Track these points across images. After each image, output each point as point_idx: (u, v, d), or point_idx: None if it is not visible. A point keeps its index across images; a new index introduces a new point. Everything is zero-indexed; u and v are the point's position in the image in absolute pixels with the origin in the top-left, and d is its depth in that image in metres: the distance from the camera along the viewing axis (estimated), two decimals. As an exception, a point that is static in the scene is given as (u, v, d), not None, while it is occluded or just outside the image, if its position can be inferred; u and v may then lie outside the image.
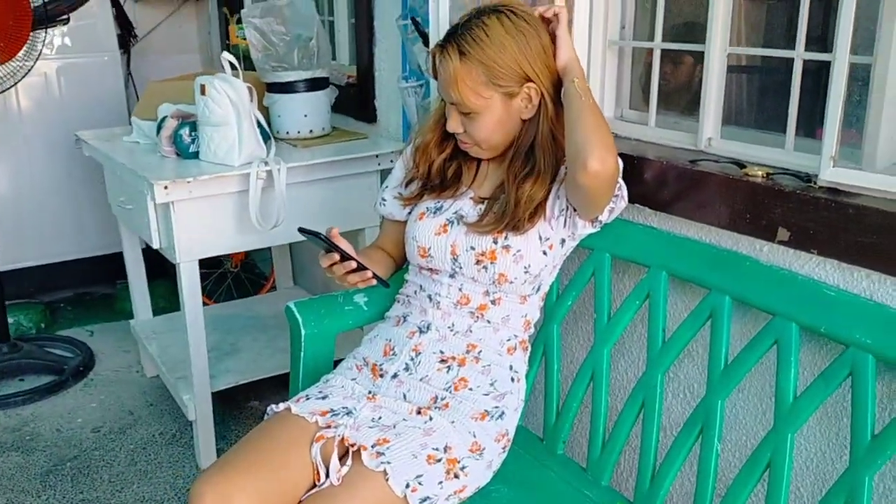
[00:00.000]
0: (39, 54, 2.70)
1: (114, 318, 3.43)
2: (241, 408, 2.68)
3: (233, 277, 3.59)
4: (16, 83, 2.73)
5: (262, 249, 3.38)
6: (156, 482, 2.31)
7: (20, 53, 2.61)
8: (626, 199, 1.47)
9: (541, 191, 1.44)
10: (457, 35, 1.40)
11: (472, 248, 1.48)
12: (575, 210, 1.44)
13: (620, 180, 1.43)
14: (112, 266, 3.37)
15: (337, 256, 1.42)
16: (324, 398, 1.47)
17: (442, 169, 1.58)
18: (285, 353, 1.88)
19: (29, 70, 2.71)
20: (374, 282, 1.45)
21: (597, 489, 1.53)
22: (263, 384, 2.58)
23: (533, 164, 1.45)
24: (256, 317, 2.90)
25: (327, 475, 1.33)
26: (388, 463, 1.30)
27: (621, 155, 1.56)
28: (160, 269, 3.12)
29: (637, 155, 1.56)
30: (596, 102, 1.38)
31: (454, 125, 1.47)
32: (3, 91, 2.73)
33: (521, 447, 1.61)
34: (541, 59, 1.40)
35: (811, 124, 1.48)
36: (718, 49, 1.53)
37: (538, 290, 1.54)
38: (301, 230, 1.39)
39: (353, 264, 1.42)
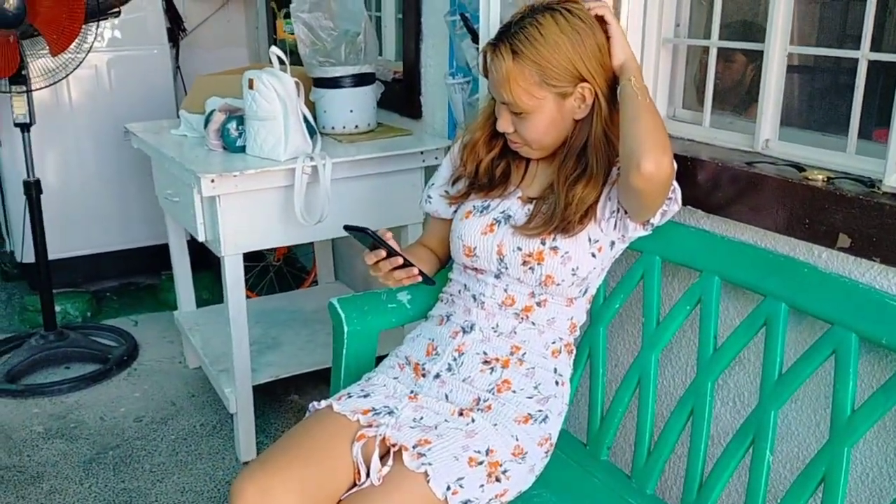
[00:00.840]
0: (91, 47, 2.73)
1: (158, 308, 3.47)
2: (281, 401, 2.69)
3: (275, 271, 3.61)
4: (67, 75, 2.77)
5: (304, 244, 3.39)
6: (196, 473, 2.32)
7: (72, 46, 2.65)
8: (679, 202, 1.43)
9: (592, 193, 1.41)
10: (510, 34, 1.37)
11: (519, 249, 1.45)
12: (626, 212, 1.41)
13: (675, 183, 1.40)
14: (157, 257, 3.41)
15: (384, 253, 1.40)
16: (365, 396, 1.46)
17: (490, 168, 1.55)
18: (326, 348, 1.88)
19: (80, 62, 2.74)
20: (420, 279, 1.43)
21: (641, 497, 1.50)
22: (304, 378, 2.58)
23: (585, 166, 1.42)
24: (298, 311, 2.91)
25: (368, 474, 1.32)
26: (430, 464, 1.29)
27: (674, 156, 1.52)
28: (204, 260, 3.15)
29: (690, 155, 1.52)
30: (653, 102, 1.34)
31: (505, 125, 1.45)
32: (55, 83, 2.78)
33: (565, 452, 1.59)
34: (595, 58, 1.37)
35: (870, 126, 1.43)
36: (779, 48, 1.48)
37: (585, 292, 1.51)
38: (347, 227, 1.38)
39: (400, 260, 1.40)
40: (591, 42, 1.37)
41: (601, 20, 1.39)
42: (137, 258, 3.58)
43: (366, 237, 1.38)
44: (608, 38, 1.38)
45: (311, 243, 3.26)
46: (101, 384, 2.83)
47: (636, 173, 1.27)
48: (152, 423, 2.59)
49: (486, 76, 1.45)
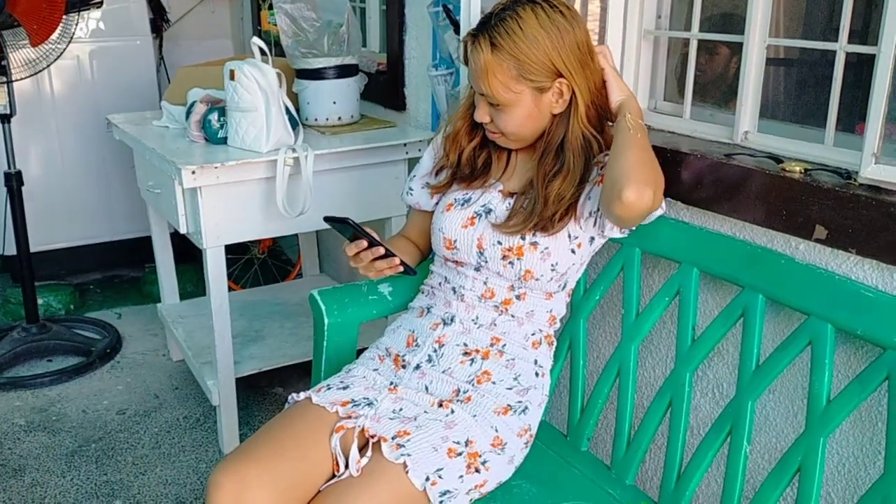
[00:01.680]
0: (72, 37, 2.71)
1: (141, 301, 3.46)
2: (264, 394, 2.69)
3: (259, 264, 3.60)
4: (48, 65, 2.74)
5: (289, 236, 3.38)
6: (178, 466, 2.32)
7: (53, 36, 2.63)
8: (664, 209, 1.44)
9: (570, 189, 1.41)
10: (490, 26, 1.37)
11: (500, 243, 1.45)
12: None
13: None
14: (140, 249, 3.41)
15: (365, 243, 1.40)
16: (345, 388, 1.45)
17: (472, 157, 1.56)
18: (310, 341, 1.87)
19: (61, 53, 2.72)
20: (402, 269, 1.43)
21: (621, 488, 1.50)
22: (287, 371, 2.58)
23: (563, 163, 1.42)
24: (282, 304, 2.91)
25: (347, 466, 1.32)
26: (408, 455, 1.29)
27: (654, 148, 1.52)
28: (188, 253, 3.14)
29: (670, 148, 1.53)
30: (647, 141, 1.35)
31: (482, 115, 1.45)
32: (36, 73, 2.75)
33: (545, 443, 1.59)
34: (574, 54, 1.37)
35: (851, 119, 1.44)
36: (758, 40, 1.48)
37: (564, 287, 1.51)
38: (327, 219, 1.38)
39: (381, 250, 1.40)
40: (571, 38, 1.37)
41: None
42: (120, 250, 3.57)
43: (346, 228, 1.38)
44: (604, 82, 1.41)
45: (296, 236, 3.26)
46: (83, 377, 2.82)
47: (617, 201, 1.26)
48: (135, 415, 2.58)
49: (467, 65, 1.45)
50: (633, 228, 1.45)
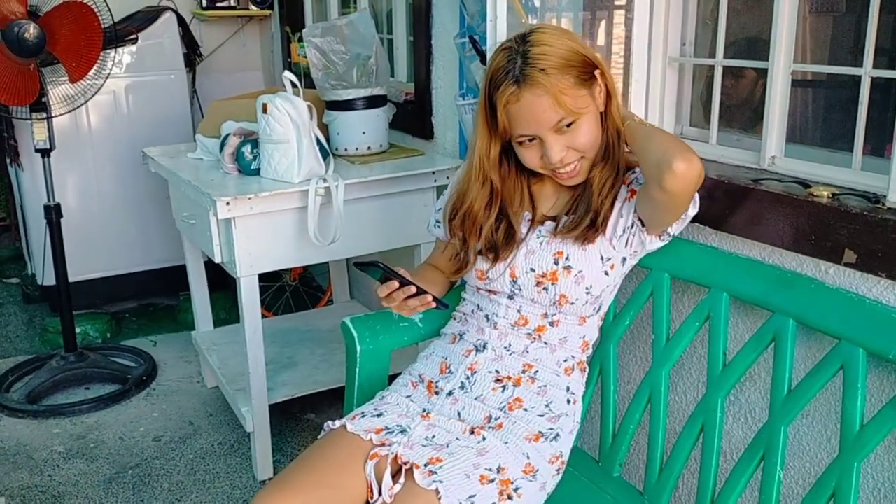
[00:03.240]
0: (109, 73, 2.80)
1: (176, 328, 3.51)
2: (297, 420, 2.71)
3: (291, 291, 3.64)
4: (86, 101, 2.83)
5: (319, 263, 3.42)
6: (213, 492, 2.35)
7: (91, 72, 2.71)
8: (697, 204, 1.44)
9: (611, 176, 1.44)
10: (525, 63, 1.35)
11: (532, 270, 1.47)
12: (643, 225, 1.42)
13: None
14: (175, 278, 3.46)
15: (396, 284, 1.40)
16: (379, 416, 1.47)
17: (491, 236, 1.51)
18: (341, 367, 1.90)
19: (99, 88, 2.80)
20: (434, 305, 1.42)
21: (654, 514, 1.50)
22: (320, 397, 2.61)
23: (606, 153, 1.45)
24: (313, 330, 2.94)
25: (381, 493, 1.33)
26: (441, 482, 1.30)
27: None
28: (221, 281, 3.19)
29: (697, 173, 1.53)
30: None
31: (558, 151, 1.40)
32: (75, 109, 2.84)
33: (577, 469, 1.59)
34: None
35: (880, 142, 1.44)
36: (782, 66, 1.50)
37: (598, 310, 1.52)
38: (357, 265, 1.39)
39: (413, 289, 1.40)
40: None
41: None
42: (156, 279, 3.63)
43: (377, 270, 1.39)
44: (610, 99, 1.42)
45: (327, 263, 3.30)
46: (120, 404, 2.87)
47: (670, 175, 1.25)
48: (171, 442, 2.62)
49: (506, 129, 1.42)
50: (674, 234, 1.44)
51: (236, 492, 2.35)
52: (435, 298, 1.42)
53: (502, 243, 1.50)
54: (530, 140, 1.41)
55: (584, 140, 1.40)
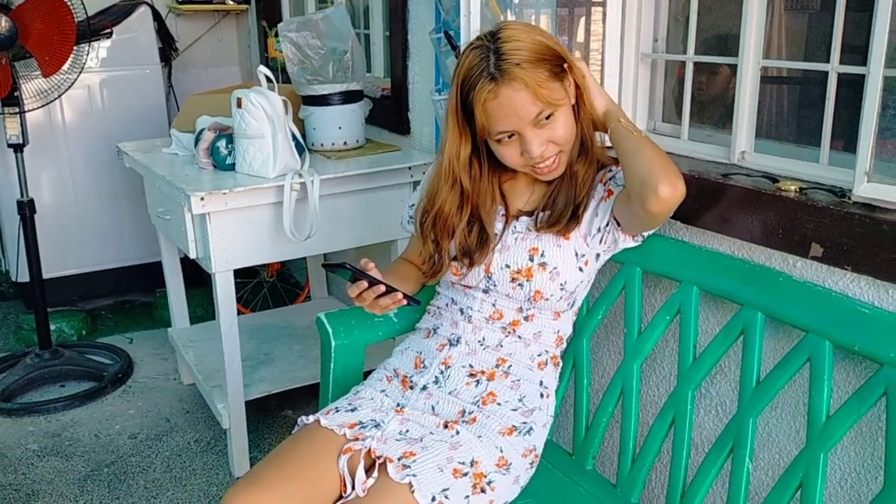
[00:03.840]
0: (83, 67, 2.77)
1: (153, 325, 3.49)
2: (274, 416, 2.71)
3: (269, 287, 3.63)
4: (59, 96, 2.80)
5: (297, 260, 3.42)
6: (190, 489, 2.34)
7: (65, 66, 2.68)
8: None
9: (591, 172, 1.47)
10: (498, 60, 1.34)
11: (508, 266, 1.48)
12: (619, 225, 1.44)
13: None
14: (151, 275, 3.45)
15: (365, 284, 1.39)
16: (353, 410, 1.48)
17: (465, 238, 1.51)
18: (318, 363, 1.89)
19: (73, 83, 2.78)
20: (406, 302, 1.42)
21: (626, 506, 1.52)
22: (297, 393, 2.60)
23: (582, 148, 1.46)
24: (291, 326, 2.93)
25: (354, 487, 1.34)
26: (414, 475, 1.31)
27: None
28: (198, 277, 3.17)
29: (669, 168, 1.55)
30: (649, 137, 1.38)
31: (539, 144, 1.39)
32: (48, 103, 2.81)
33: (550, 462, 1.61)
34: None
35: (849, 137, 1.46)
36: (752, 62, 1.51)
37: (572, 305, 1.53)
38: (325, 266, 1.39)
39: (382, 288, 1.39)
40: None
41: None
42: (131, 276, 3.61)
43: (346, 272, 1.38)
44: (581, 93, 1.42)
45: (305, 259, 3.29)
46: (95, 402, 2.85)
47: (654, 198, 1.27)
48: (147, 439, 2.61)
49: (484, 129, 1.41)
50: (647, 235, 1.46)
51: (213, 488, 2.34)
52: (406, 296, 1.41)
53: (476, 247, 1.50)
54: (509, 137, 1.40)
55: (562, 132, 1.40)
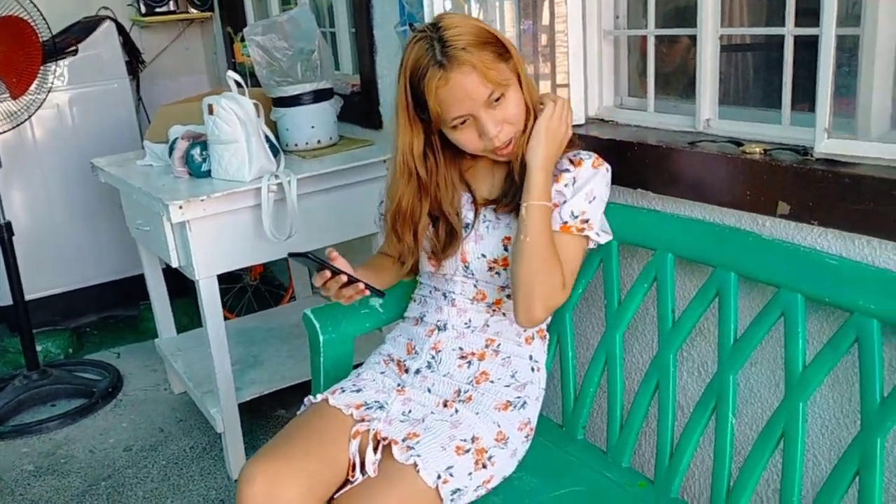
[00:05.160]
0: (51, 87, 2.77)
1: (139, 338, 3.49)
2: (267, 417, 2.73)
3: (252, 290, 3.64)
4: (29, 117, 2.80)
5: (279, 261, 3.42)
6: (189, 495, 2.35)
7: (32, 87, 2.68)
8: (610, 234, 1.51)
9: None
10: (444, 48, 1.36)
11: (483, 256, 1.51)
12: None
13: (605, 228, 1.50)
14: (134, 288, 3.44)
15: (328, 273, 1.40)
16: (358, 391, 1.51)
17: (434, 238, 1.54)
18: (307, 361, 1.92)
19: (42, 103, 2.78)
20: (368, 292, 1.43)
21: (618, 471, 1.55)
22: (288, 392, 2.61)
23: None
24: (277, 327, 2.95)
25: (362, 470, 1.37)
26: (419, 456, 1.34)
27: (622, 143, 1.60)
28: (181, 286, 3.18)
29: (637, 141, 1.59)
30: (539, 234, 1.39)
31: (494, 125, 1.41)
32: (19, 125, 2.81)
33: (542, 435, 1.64)
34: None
35: (809, 97, 1.50)
36: (710, 31, 1.55)
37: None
38: (290, 255, 1.39)
39: (344, 278, 1.40)
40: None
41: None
42: (114, 291, 3.61)
43: (309, 261, 1.39)
44: (519, 76, 1.44)
45: (286, 260, 3.30)
46: (87, 418, 2.85)
47: (524, 320, 1.43)
48: (142, 450, 2.62)
49: (437, 115, 1.41)
50: (600, 241, 1.50)
51: (212, 493, 2.36)
52: (367, 286, 1.41)
53: (446, 243, 1.53)
54: (463, 122, 1.41)
55: (514, 111, 1.42)
